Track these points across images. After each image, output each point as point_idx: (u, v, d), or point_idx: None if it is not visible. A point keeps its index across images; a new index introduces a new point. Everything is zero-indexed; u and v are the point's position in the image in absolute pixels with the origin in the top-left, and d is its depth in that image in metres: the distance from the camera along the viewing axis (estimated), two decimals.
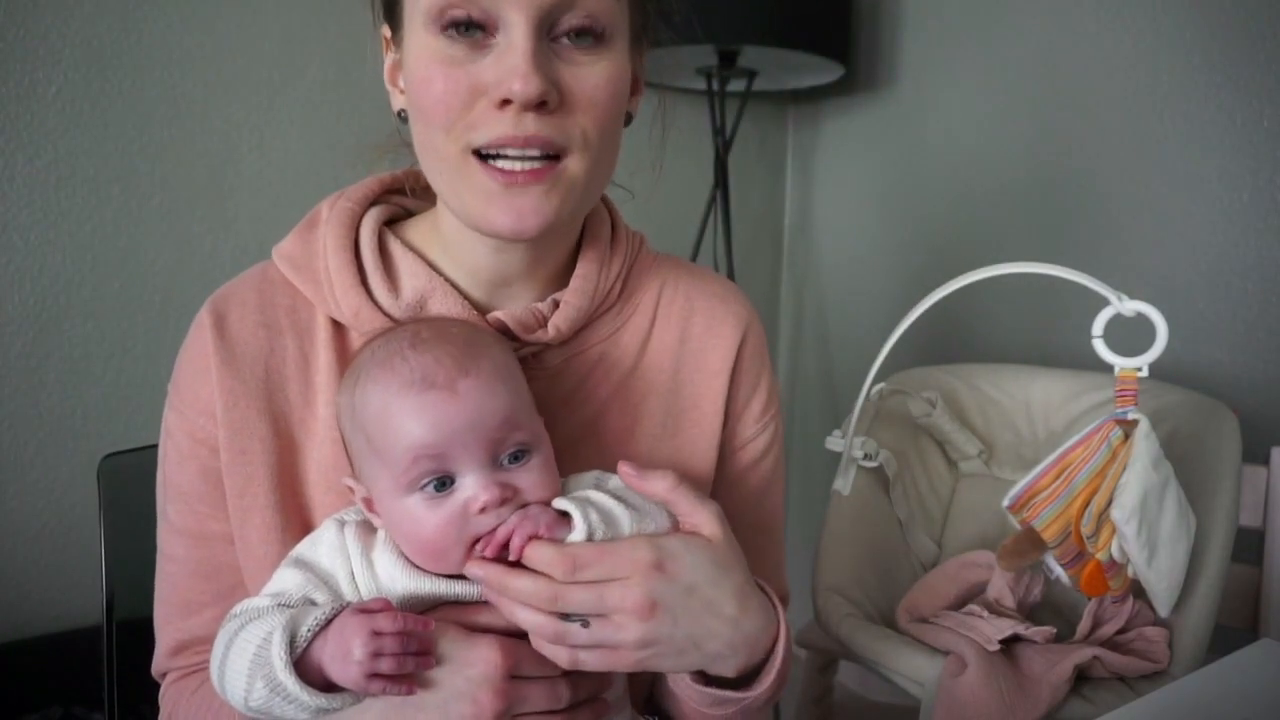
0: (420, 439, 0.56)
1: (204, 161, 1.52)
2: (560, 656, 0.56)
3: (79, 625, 1.45)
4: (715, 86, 1.81)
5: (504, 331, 0.66)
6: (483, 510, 0.56)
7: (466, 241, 0.66)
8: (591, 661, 0.56)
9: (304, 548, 0.62)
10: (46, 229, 1.41)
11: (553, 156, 0.59)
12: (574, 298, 0.68)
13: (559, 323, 0.67)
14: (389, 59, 0.66)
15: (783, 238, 2.27)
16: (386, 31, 0.65)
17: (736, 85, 1.83)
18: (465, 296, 0.67)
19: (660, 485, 0.60)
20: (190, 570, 0.68)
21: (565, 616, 0.55)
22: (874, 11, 1.98)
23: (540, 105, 0.57)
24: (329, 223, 0.68)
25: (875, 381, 1.25)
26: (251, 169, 1.56)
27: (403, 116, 0.66)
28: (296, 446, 0.67)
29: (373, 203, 0.71)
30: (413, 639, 0.54)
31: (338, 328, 0.68)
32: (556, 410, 0.69)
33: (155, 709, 0.71)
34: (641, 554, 0.56)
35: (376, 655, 0.53)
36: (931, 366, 1.42)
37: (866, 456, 1.24)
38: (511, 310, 0.66)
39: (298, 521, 0.66)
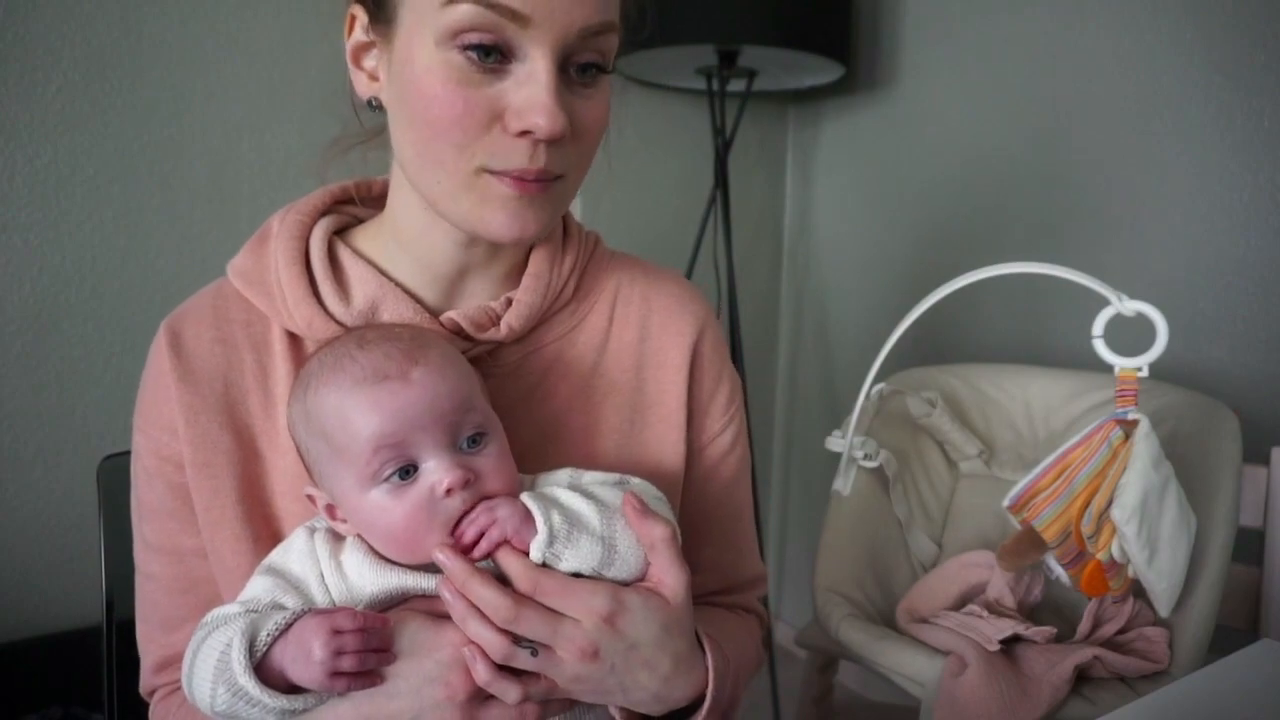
0: (379, 429, 0.57)
1: (204, 161, 1.52)
2: (482, 677, 0.56)
3: (79, 625, 1.46)
4: (715, 86, 1.81)
5: (457, 331, 0.67)
6: (448, 493, 0.57)
7: (428, 238, 0.67)
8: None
9: (275, 555, 0.62)
10: (46, 229, 1.41)
11: (556, 179, 0.62)
12: (526, 295, 0.69)
13: (511, 320, 0.68)
14: (355, 39, 0.64)
15: (783, 238, 2.27)
16: (359, 13, 0.64)
17: (736, 85, 1.83)
18: (417, 300, 0.68)
19: (656, 532, 0.60)
20: (168, 587, 0.69)
21: (516, 640, 0.56)
22: (874, 11, 1.98)
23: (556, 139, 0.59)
24: (279, 236, 0.68)
25: (875, 381, 1.25)
26: (251, 169, 1.56)
27: (373, 105, 0.66)
28: (261, 458, 0.67)
29: (323, 214, 0.71)
30: (373, 635, 0.55)
31: (293, 339, 0.68)
32: (516, 409, 0.69)
33: None
34: (598, 602, 0.57)
35: (338, 654, 0.53)
36: (931, 366, 1.42)
37: (866, 456, 1.24)
38: (464, 310, 0.67)
39: (266, 532, 0.66)
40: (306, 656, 0.54)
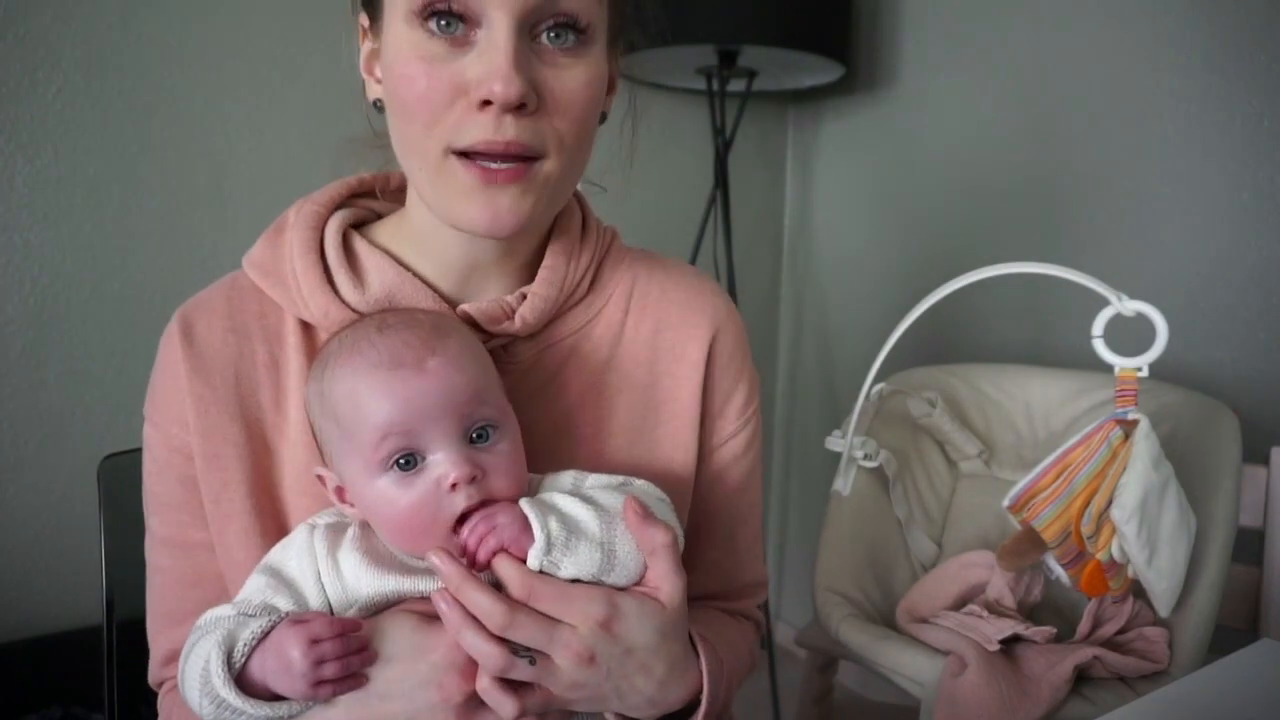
0: (388, 416, 0.56)
1: (204, 161, 1.52)
2: (482, 684, 0.56)
3: (79, 625, 1.46)
4: (715, 86, 1.81)
5: (471, 324, 0.66)
6: (454, 487, 0.56)
7: (439, 232, 0.66)
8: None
9: (275, 553, 0.62)
10: (46, 229, 1.41)
11: (530, 158, 0.59)
12: (541, 289, 0.68)
13: (526, 314, 0.67)
14: (365, 48, 0.66)
15: (783, 238, 2.27)
16: (364, 20, 0.65)
17: (736, 85, 1.83)
18: (434, 290, 0.67)
19: (657, 538, 0.59)
20: (176, 580, 0.69)
21: (513, 650, 0.55)
22: (874, 11, 1.98)
23: (519, 107, 0.57)
24: (295, 226, 0.68)
25: (875, 381, 1.25)
26: (251, 169, 1.56)
27: (378, 106, 0.66)
28: (271, 451, 0.67)
29: (339, 205, 0.71)
30: (352, 640, 0.55)
31: (307, 332, 0.68)
32: (530, 405, 0.69)
33: (154, 710, 0.72)
34: (595, 608, 0.57)
35: (319, 663, 0.53)
36: (931, 366, 1.42)
37: (866, 456, 1.24)
38: (478, 303, 0.67)
39: (274, 526, 0.66)
40: (288, 668, 0.53)
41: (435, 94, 0.57)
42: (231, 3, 1.52)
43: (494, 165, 0.58)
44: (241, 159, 1.55)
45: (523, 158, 0.59)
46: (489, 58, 0.56)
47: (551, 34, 0.59)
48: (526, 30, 0.58)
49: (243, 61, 1.54)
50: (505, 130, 0.57)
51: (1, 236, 1.38)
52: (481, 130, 0.57)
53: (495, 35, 0.56)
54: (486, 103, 0.57)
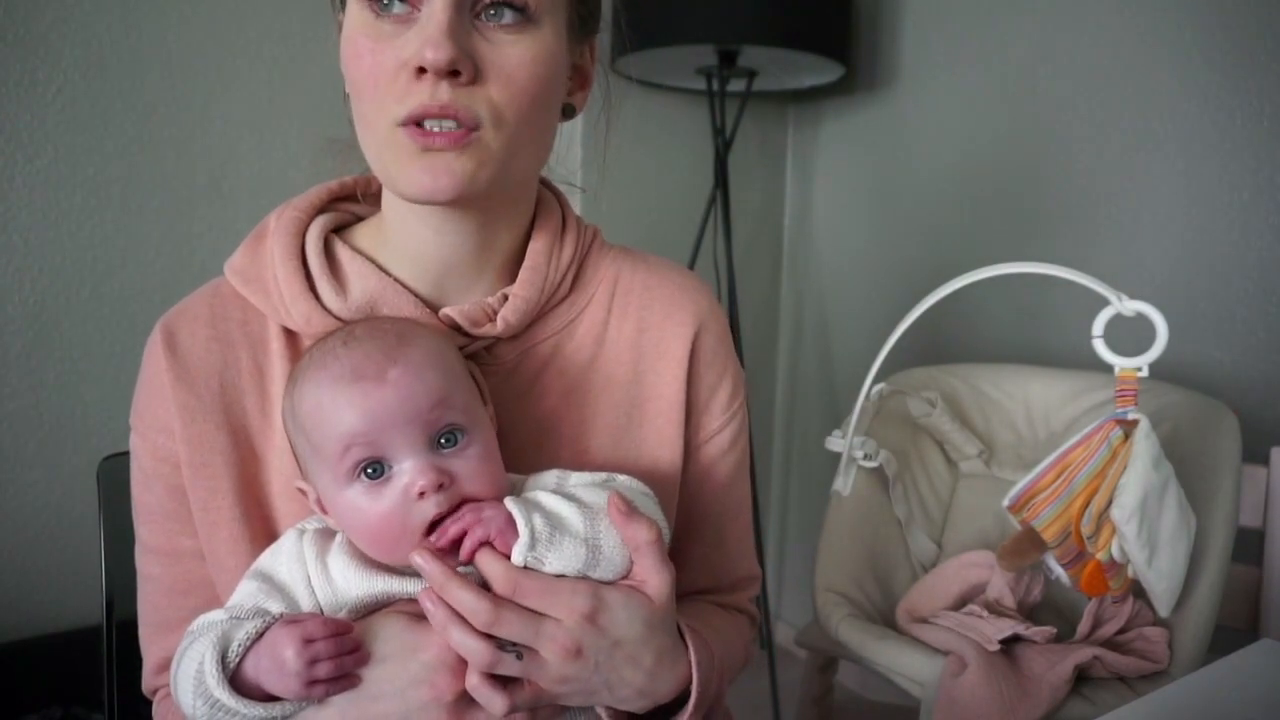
0: (350, 428, 0.57)
1: (204, 161, 1.52)
2: (471, 680, 0.56)
3: (79, 625, 1.46)
4: (715, 86, 1.81)
5: (454, 328, 0.67)
6: (421, 495, 0.57)
7: (409, 227, 0.66)
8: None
9: (265, 559, 0.62)
10: (46, 229, 1.41)
11: (469, 126, 0.60)
12: (522, 289, 0.68)
13: (507, 315, 0.67)
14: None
15: (783, 238, 2.27)
16: (340, 16, 0.66)
17: (736, 85, 1.83)
18: (415, 295, 0.67)
19: (641, 534, 0.60)
20: (167, 588, 0.69)
21: (500, 645, 0.55)
22: (874, 11, 1.98)
23: (453, 74, 0.58)
24: (276, 232, 0.68)
25: (875, 382, 1.25)
26: (251, 169, 1.56)
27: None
28: (258, 458, 0.67)
29: (321, 210, 0.71)
30: (346, 640, 0.55)
31: (291, 338, 0.68)
32: (514, 406, 0.69)
33: (153, 711, 0.72)
34: (580, 601, 0.57)
35: (313, 662, 0.54)
36: (931, 366, 1.42)
37: (866, 456, 1.24)
38: (460, 306, 0.67)
39: (263, 532, 0.66)
40: (281, 668, 0.54)
41: (379, 68, 0.59)
42: (231, 3, 1.52)
43: (434, 128, 0.59)
44: (241, 159, 1.55)
45: (462, 123, 0.59)
46: (425, 30, 0.58)
47: (490, 11, 0.60)
48: (467, 8, 0.59)
49: (243, 61, 1.54)
50: (440, 95, 0.58)
51: (1, 236, 1.38)
52: (419, 96, 0.58)
53: (433, 9, 0.58)
54: (422, 70, 0.58)
